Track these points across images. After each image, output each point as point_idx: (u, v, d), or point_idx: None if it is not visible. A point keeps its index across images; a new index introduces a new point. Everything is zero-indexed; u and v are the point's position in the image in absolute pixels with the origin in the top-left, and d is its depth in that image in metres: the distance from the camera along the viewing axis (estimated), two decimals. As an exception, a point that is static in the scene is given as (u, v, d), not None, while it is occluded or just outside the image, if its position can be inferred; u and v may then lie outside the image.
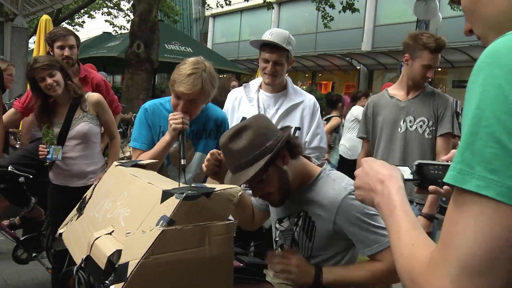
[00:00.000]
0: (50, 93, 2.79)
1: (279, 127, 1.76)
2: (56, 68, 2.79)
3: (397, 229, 0.84)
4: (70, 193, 2.83)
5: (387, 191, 0.95)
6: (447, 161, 1.09)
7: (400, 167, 1.05)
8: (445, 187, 1.04)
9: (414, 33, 2.80)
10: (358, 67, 20.71)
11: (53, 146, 2.79)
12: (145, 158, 2.10)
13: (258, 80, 2.70)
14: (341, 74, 22.09)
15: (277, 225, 1.87)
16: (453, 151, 1.10)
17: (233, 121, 2.63)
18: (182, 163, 2.00)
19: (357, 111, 6.09)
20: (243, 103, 2.65)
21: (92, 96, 2.97)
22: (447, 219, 0.69)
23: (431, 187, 1.07)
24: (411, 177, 1.08)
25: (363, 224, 1.59)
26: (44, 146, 2.82)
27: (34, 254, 3.59)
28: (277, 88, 2.62)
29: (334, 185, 1.68)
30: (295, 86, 2.71)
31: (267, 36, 2.53)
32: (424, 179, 1.08)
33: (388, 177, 0.98)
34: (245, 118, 2.54)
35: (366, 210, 1.60)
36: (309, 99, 2.70)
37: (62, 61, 3.19)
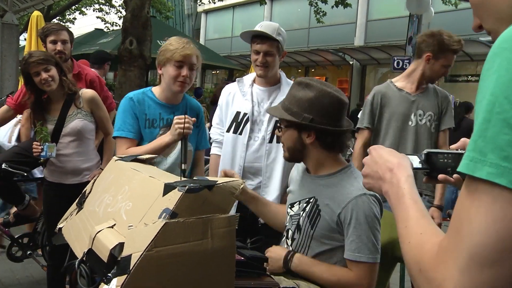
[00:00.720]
0: (44, 88, 2.76)
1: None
2: (51, 63, 2.76)
3: (405, 217, 0.83)
4: (65, 190, 2.82)
5: (396, 179, 0.93)
6: (457, 149, 1.07)
7: (408, 156, 1.03)
8: (455, 175, 1.03)
9: (434, 32, 2.80)
10: (351, 62, 20.74)
11: (47, 144, 2.77)
12: (138, 152, 2.10)
13: (252, 75, 2.71)
14: (334, 69, 22.12)
15: (289, 210, 1.92)
16: (463, 139, 1.08)
17: (228, 116, 2.64)
18: (183, 167, 2.00)
19: None
20: (237, 98, 2.65)
21: (86, 92, 2.94)
22: (458, 207, 0.67)
23: (440, 176, 1.05)
24: (420, 166, 1.06)
25: (361, 228, 1.64)
26: (38, 143, 2.79)
27: (29, 252, 3.57)
28: (271, 82, 2.63)
29: (354, 182, 1.73)
30: (289, 80, 2.71)
31: (257, 28, 2.55)
32: (433, 168, 1.07)
33: (397, 165, 0.96)
34: (239, 112, 2.57)
35: (372, 219, 1.65)
36: None
37: (56, 56, 3.18)
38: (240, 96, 2.63)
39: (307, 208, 1.80)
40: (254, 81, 2.66)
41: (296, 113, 1.74)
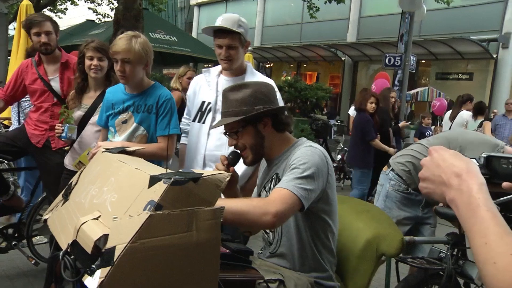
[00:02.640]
0: (90, 73, 2.88)
1: None
2: (107, 55, 2.85)
3: (484, 233, 0.74)
4: None
5: (466, 187, 0.83)
6: None
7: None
8: None
9: None
10: (343, 58, 20.78)
11: (67, 125, 2.83)
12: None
13: (219, 66, 2.75)
14: (326, 65, 22.17)
15: (261, 194, 2.01)
16: None
17: (194, 106, 2.72)
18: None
19: (467, 115, 6.86)
20: (203, 88, 2.72)
21: None
22: None
23: (505, 184, 0.94)
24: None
25: (293, 170, 1.73)
26: (60, 124, 2.85)
27: (14, 243, 3.54)
28: (236, 72, 2.68)
29: (302, 147, 1.86)
30: (255, 70, 2.76)
31: (218, 22, 2.57)
32: (494, 174, 0.97)
33: (466, 171, 0.86)
34: (204, 102, 2.66)
35: (299, 165, 1.73)
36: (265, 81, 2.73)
37: (41, 47, 3.18)
38: (206, 86, 2.70)
39: (272, 185, 1.91)
40: (221, 72, 2.72)
41: (247, 110, 1.83)
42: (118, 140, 2.60)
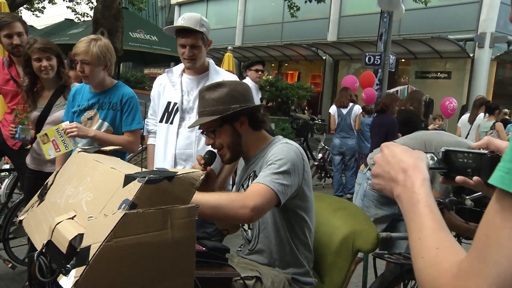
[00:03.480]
0: (41, 75, 2.85)
1: None
2: (54, 53, 2.85)
3: (419, 228, 0.74)
4: (44, 179, 2.80)
5: (410, 182, 0.83)
6: (479, 149, 0.97)
7: (425, 154, 0.94)
8: (475, 178, 0.93)
9: None
10: (324, 57, 20.92)
11: (20, 126, 2.81)
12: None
13: (181, 65, 2.77)
14: (307, 64, 22.28)
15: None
16: (485, 137, 0.99)
17: (159, 107, 2.73)
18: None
19: (480, 118, 7.33)
20: (167, 88, 2.72)
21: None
22: (485, 225, 0.58)
23: (458, 178, 0.95)
24: (436, 165, 0.97)
25: (270, 165, 1.75)
26: (14, 125, 2.84)
27: None
28: (199, 71, 2.70)
29: (278, 144, 1.89)
30: (217, 67, 2.79)
31: (179, 22, 2.59)
32: (452, 168, 0.98)
33: (412, 167, 0.85)
34: (170, 102, 2.66)
35: (275, 161, 1.75)
36: (229, 77, 2.75)
37: (13, 49, 3.13)
38: (170, 86, 2.70)
39: (249, 182, 1.94)
40: (183, 71, 2.73)
41: (224, 109, 1.86)
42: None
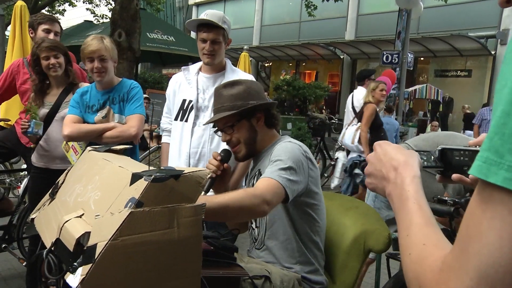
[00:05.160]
0: (50, 72, 2.92)
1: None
2: (61, 51, 2.93)
3: (407, 225, 0.72)
4: (52, 176, 2.85)
5: (400, 179, 0.82)
6: (476, 146, 0.96)
7: (421, 152, 0.94)
8: (471, 176, 0.89)
9: None
10: (341, 56, 20.78)
11: (34, 120, 2.86)
12: (83, 127, 2.73)
13: (198, 64, 2.77)
14: (325, 63, 22.15)
15: None
16: (482, 134, 0.95)
17: (175, 104, 2.73)
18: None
19: None
20: (183, 86, 2.72)
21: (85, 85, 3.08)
22: (467, 217, 0.57)
23: (454, 176, 0.94)
24: (433, 163, 0.97)
25: (275, 162, 1.76)
26: (26, 120, 2.89)
27: (4, 245, 3.54)
28: (216, 69, 2.69)
29: (282, 143, 1.90)
30: (234, 67, 2.78)
31: (202, 17, 2.59)
32: (448, 166, 0.97)
33: (403, 164, 0.84)
34: (185, 100, 2.66)
35: (281, 158, 1.76)
36: (245, 77, 2.74)
37: None
38: (186, 84, 2.70)
39: (255, 180, 1.93)
40: (200, 69, 2.73)
41: (242, 104, 1.89)
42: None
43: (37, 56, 2.89)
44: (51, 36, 3.36)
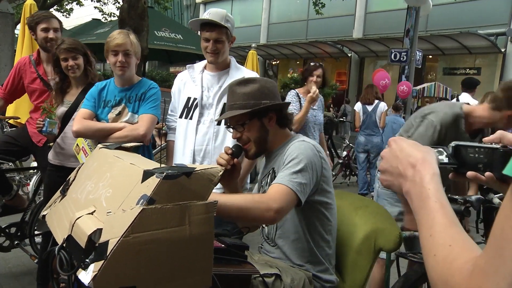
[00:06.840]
0: (69, 74, 2.95)
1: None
2: (80, 52, 2.94)
3: (430, 224, 0.71)
4: (67, 174, 2.86)
5: (419, 177, 0.80)
6: (491, 143, 0.93)
7: (434, 149, 0.91)
8: (487, 173, 0.88)
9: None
10: (349, 54, 20.71)
11: (48, 119, 2.88)
12: (93, 125, 2.70)
13: (203, 62, 2.79)
14: (333, 61, 22.08)
15: (261, 190, 2.04)
16: (498, 131, 0.94)
17: (180, 102, 2.75)
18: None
19: None
20: (188, 84, 2.74)
21: None
22: (501, 219, 0.55)
23: (469, 173, 0.91)
24: (446, 160, 0.93)
25: (287, 164, 1.77)
26: (41, 119, 2.90)
27: (16, 242, 3.57)
28: (220, 67, 2.71)
29: (296, 142, 1.90)
30: (238, 65, 2.79)
31: (205, 16, 2.60)
32: (462, 164, 0.94)
33: (421, 161, 0.82)
34: (189, 98, 2.68)
35: (292, 159, 1.77)
36: (250, 75, 2.74)
37: (46, 43, 3.21)
38: (191, 82, 2.72)
39: (268, 179, 1.95)
40: (205, 67, 2.74)
41: (255, 103, 1.89)
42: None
43: (57, 57, 2.92)
44: (51, 33, 3.32)
